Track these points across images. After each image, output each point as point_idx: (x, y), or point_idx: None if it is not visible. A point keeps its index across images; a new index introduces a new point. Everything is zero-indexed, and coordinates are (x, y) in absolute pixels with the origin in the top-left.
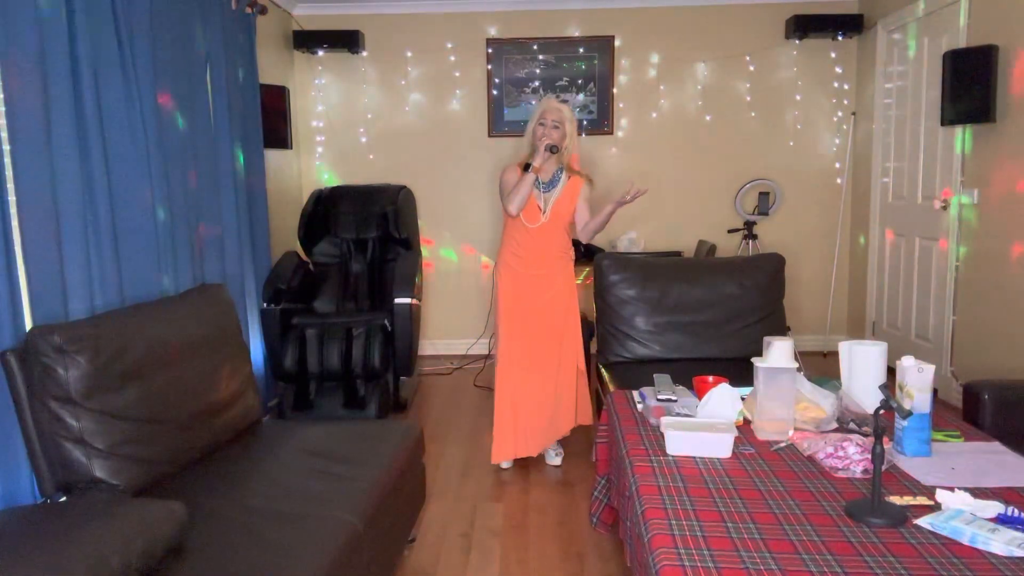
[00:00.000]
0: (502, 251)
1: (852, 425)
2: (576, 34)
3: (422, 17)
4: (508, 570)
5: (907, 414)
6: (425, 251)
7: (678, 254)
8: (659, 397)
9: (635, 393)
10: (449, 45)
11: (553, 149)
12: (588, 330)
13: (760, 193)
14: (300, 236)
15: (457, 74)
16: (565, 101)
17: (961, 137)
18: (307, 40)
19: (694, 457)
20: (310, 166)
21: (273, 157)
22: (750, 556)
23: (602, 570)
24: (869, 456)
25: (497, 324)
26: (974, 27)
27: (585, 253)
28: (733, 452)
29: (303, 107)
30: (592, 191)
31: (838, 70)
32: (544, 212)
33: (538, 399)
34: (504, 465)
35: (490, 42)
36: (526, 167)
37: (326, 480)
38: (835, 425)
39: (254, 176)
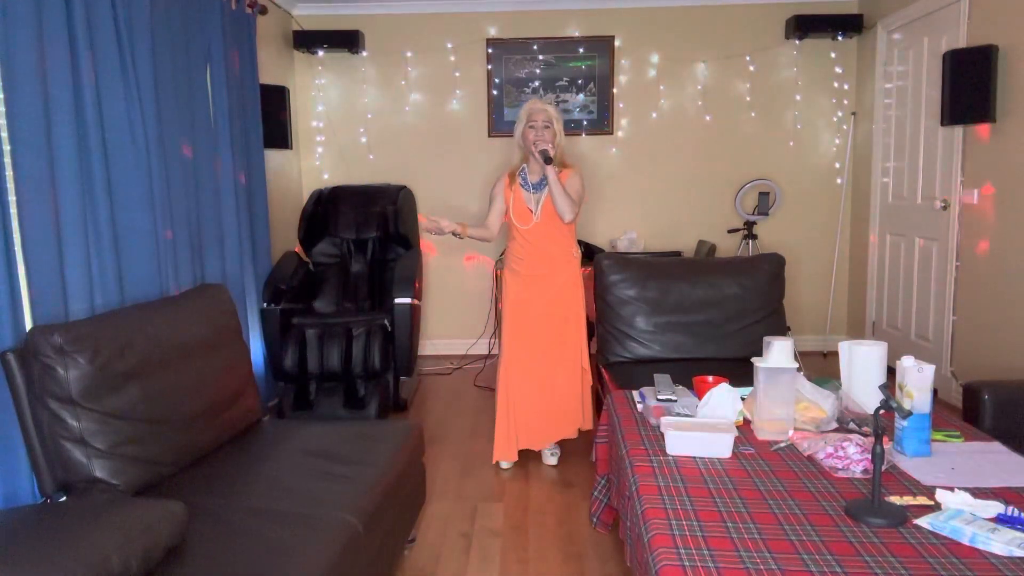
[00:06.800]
0: (506, 254)
1: (852, 425)
2: (576, 34)
3: (422, 17)
4: (508, 570)
5: (907, 414)
6: (424, 251)
7: (678, 254)
8: (659, 397)
9: (635, 393)
10: (449, 45)
11: (548, 160)
12: (589, 330)
13: (760, 193)
14: (300, 236)
15: (457, 74)
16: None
17: (961, 137)
18: (307, 40)
19: (694, 457)
20: (310, 166)
21: (273, 157)
22: (750, 556)
23: (602, 570)
24: (869, 456)
25: (501, 324)
26: (974, 27)
27: (585, 253)
28: (733, 452)
29: (303, 107)
30: (580, 175)
31: (838, 70)
32: (535, 213)
33: (538, 398)
34: (504, 465)
35: (490, 42)
36: (523, 170)
37: (326, 480)
38: (835, 425)
39: (254, 176)
